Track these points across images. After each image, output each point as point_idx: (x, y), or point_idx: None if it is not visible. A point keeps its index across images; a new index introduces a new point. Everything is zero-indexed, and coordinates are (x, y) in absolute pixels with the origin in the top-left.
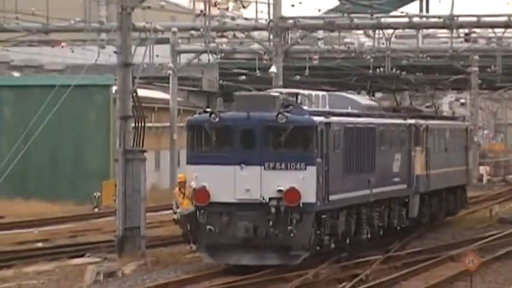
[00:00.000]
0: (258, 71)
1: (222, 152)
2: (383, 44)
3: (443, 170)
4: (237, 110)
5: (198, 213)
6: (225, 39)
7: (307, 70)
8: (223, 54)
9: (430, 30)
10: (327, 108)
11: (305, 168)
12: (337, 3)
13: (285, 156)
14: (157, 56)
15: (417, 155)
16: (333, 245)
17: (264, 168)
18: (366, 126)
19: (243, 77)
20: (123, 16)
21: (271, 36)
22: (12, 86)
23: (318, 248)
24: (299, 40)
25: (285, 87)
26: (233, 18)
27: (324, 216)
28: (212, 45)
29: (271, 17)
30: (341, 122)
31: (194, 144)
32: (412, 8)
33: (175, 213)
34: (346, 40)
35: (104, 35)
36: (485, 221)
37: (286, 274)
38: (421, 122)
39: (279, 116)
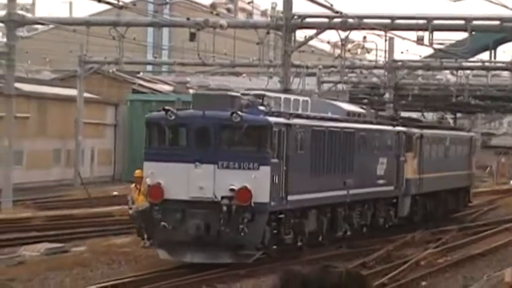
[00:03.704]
0: (376, 97)
1: (177, 150)
2: (463, 80)
3: (440, 174)
4: (194, 109)
5: (152, 209)
6: (354, 74)
7: (410, 97)
8: (352, 84)
9: (497, 71)
10: (300, 111)
11: (258, 168)
12: (432, 51)
13: (239, 155)
14: (307, 84)
15: (408, 160)
16: (299, 243)
17: (218, 167)
18: (343, 130)
19: (365, 101)
20: (285, 57)
21: (386, 73)
22: None
23: (275, 246)
24: (405, 76)
25: (395, 109)
26: (360, 60)
27: (282, 216)
28: (345, 78)
29: (387, 59)
30: (307, 124)
31: (151, 141)
32: (485, 55)
33: (130, 208)
34: (438, 77)
35: (271, 69)
36: None
37: (391, 237)
38: (415, 130)
39: (233, 115)
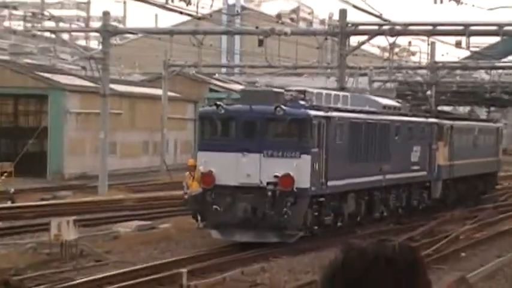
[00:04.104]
0: (419, 93)
1: (227, 141)
2: (496, 78)
3: (469, 160)
4: (242, 104)
5: (205, 194)
6: (400, 74)
7: (449, 93)
8: (399, 83)
9: None
10: (340, 105)
11: (299, 157)
12: (469, 53)
13: (282, 145)
14: (360, 83)
15: (440, 148)
16: (339, 224)
17: (263, 156)
18: (379, 121)
19: (410, 97)
20: (341, 60)
21: (428, 73)
22: None
23: (316, 227)
24: (445, 75)
25: (436, 104)
26: (406, 61)
27: (322, 200)
28: (393, 77)
29: (429, 61)
30: (345, 117)
31: (204, 133)
32: None
33: (185, 194)
34: (474, 75)
35: (329, 70)
36: None
37: (433, 214)
38: (445, 121)
39: (277, 109)
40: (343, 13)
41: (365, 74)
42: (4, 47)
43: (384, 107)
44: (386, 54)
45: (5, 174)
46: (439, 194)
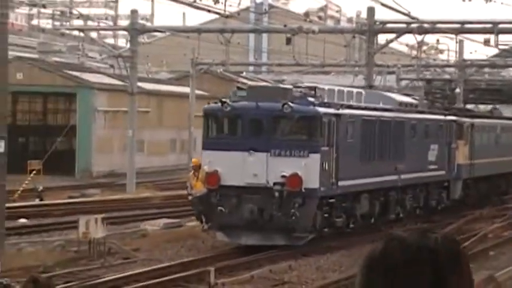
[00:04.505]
0: (448, 92)
1: (233, 139)
2: None
3: (491, 159)
4: (249, 101)
5: (210, 195)
6: (428, 72)
7: (477, 91)
8: (426, 81)
9: None
10: (354, 103)
11: (308, 156)
12: (498, 51)
13: (290, 144)
14: (388, 81)
15: (460, 146)
16: (352, 225)
17: (270, 155)
18: (394, 119)
19: (438, 95)
20: (369, 58)
21: (456, 71)
22: None
23: (326, 229)
24: (473, 73)
25: (464, 102)
26: (434, 59)
27: (332, 200)
28: (420, 75)
29: (457, 59)
30: (357, 114)
31: (208, 131)
32: None
33: (189, 194)
34: (502, 73)
35: (357, 69)
36: None
37: (463, 212)
38: (465, 119)
39: (285, 106)
40: (371, 11)
41: (393, 72)
42: (33, 45)
43: (400, 104)
44: (414, 52)
45: (34, 172)
46: (459, 194)
